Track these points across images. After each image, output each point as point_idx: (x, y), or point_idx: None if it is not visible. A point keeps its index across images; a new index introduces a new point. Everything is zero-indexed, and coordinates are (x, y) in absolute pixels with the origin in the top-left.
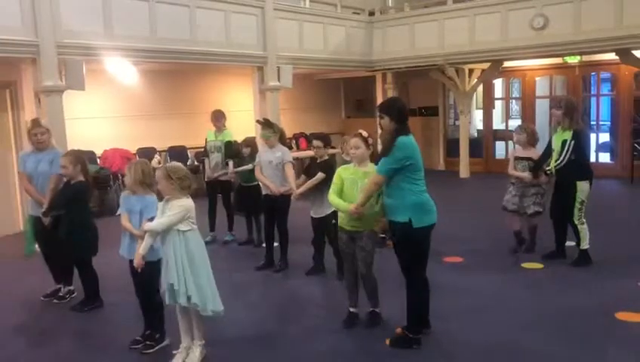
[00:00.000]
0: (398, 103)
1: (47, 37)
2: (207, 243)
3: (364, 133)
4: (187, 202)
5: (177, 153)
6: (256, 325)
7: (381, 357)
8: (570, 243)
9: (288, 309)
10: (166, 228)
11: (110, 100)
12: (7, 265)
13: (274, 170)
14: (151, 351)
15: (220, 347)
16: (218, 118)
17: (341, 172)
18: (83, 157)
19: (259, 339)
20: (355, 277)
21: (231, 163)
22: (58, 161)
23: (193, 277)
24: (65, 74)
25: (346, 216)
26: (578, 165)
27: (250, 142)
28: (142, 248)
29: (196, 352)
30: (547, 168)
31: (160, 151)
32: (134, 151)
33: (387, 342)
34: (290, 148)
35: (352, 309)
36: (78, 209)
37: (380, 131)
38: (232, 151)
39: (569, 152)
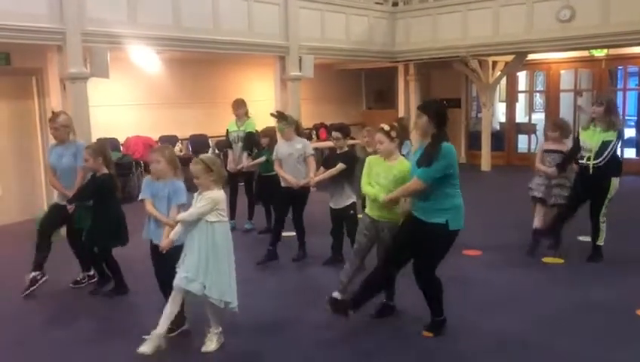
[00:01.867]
0: (438, 104)
1: (72, 25)
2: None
3: (386, 127)
4: (217, 193)
5: (199, 142)
6: (272, 312)
7: (390, 346)
8: (585, 238)
9: (304, 298)
10: (196, 218)
11: (133, 88)
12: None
13: (295, 162)
14: (172, 334)
15: (236, 333)
16: (239, 105)
17: (372, 161)
18: (105, 149)
19: (274, 326)
20: (361, 261)
21: (245, 155)
22: (82, 153)
23: (213, 268)
24: (90, 61)
25: (371, 204)
26: (616, 163)
27: (268, 133)
28: (173, 233)
29: (213, 340)
30: (581, 161)
31: (182, 140)
32: (156, 139)
33: (425, 333)
34: (310, 138)
35: (335, 294)
36: (104, 201)
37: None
38: (251, 142)
39: (611, 153)
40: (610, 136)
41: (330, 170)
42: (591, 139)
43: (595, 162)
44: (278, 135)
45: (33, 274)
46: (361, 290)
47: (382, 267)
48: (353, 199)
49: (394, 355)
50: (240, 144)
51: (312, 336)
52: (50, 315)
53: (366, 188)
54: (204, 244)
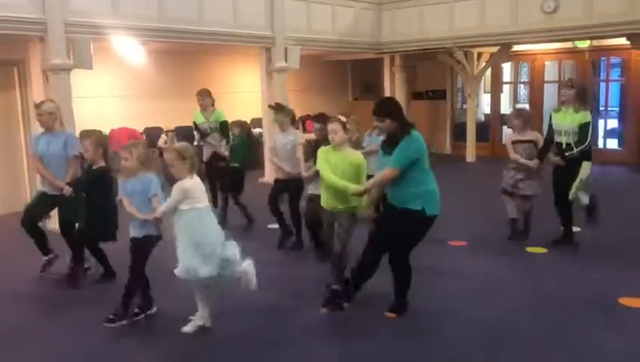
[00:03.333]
0: (393, 102)
1: (55, 15)
2: None
3: (343, 118)
4: (188, 182)
5: (184, 133)
6: (264, 300)
7: (383, 331)
8: (576, 229)
9: (295, 286)
10: (173, 208)
11: (117, 79)
12: (18, 240)
13: (288, 152)
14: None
15: (227, 317)
16: (204, 96)
17: (326, 151)
18: (105, 141)
19: (264, 312)
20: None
21: (224, 143)
22: (72, 142)
23: (185, 251)
24: (73, 52)
25: (326, 196)
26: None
27: (240, 124)
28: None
29: (193, 324)
30: (568, 154)
31: (167, 131)
32: (141, 131)
33: (389, 314)
34: (297, 129)
35: (334, 287)
36: (98, 195)
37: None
38: (227, 130)
39: (590, 134)
40: (586, 117)
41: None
42: (564, 120)
43: (579, 149)
44: (274, 126)
45: (45, 258)
46: (352, 278)
47: (400, 266)
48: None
49: (384, 338)
50: (215, 135)
51: (298, 320)
52: (45, 304)
53: (331, 177)
54: (180, 231)
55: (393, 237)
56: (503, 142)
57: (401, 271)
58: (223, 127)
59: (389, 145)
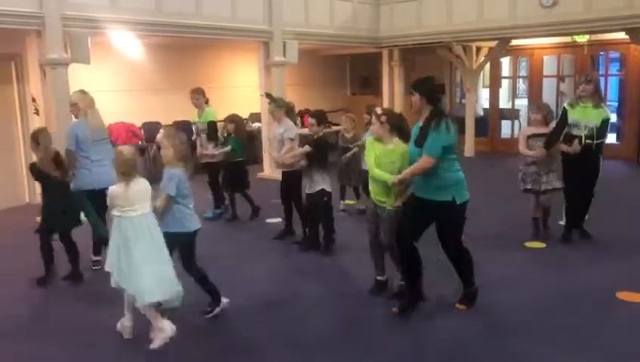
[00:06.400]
0: (429, 82)
1: (52, 9)
2: (209, 218)
3: (378, 110)
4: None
5: (182, 128)
6: (265, 294)
7: (379, 326)
8: (561, 222)
9: (296, 280)
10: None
11: (115, 74)
12: (18, 237)
13: (278, 145)
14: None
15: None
16: (196, 95)
17: (372, 142)
18: (38, 136)
19: (266, 307)
20: (378, 248)
21: (211, 145)
22: (66, 135)
23: (128, 262)
24: (70, 47)
25: (375, 188)
26: (602, 144)
27: (234, 118)
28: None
29: (156, 336)
30: (587, 141)
31: (165, 126)
32: (139, 125)
33: (459, 306)
34: (295, 124)
35: (379, 278)
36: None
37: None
38: (213, 132)
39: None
40: (607, 112)
41: (293, 152)
42: (584, 115)
43: (597, 142)
44: (264, 121)
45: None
46: (405, 281)
47: (456, 252)
48: (323, 186)
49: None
50: (203, 136)
51: (304, 314)
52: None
53: (374, 170)
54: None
55: (437, 226)
56: (518, 135)
57: (459, 257)
58: (210, 128)
59: (422, 134)
